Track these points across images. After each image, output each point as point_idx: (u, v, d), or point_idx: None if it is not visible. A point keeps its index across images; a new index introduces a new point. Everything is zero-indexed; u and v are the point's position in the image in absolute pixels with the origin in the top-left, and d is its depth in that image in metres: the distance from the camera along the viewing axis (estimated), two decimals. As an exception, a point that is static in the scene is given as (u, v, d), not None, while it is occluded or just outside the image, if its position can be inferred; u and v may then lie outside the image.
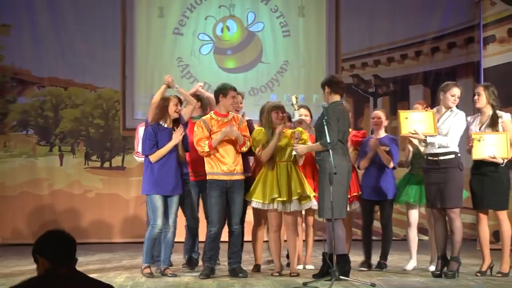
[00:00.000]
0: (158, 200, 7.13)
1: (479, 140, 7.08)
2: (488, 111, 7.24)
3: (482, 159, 7.10)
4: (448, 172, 7.02)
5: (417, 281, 6.91)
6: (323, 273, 6.85)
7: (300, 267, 7.74)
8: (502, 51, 10.72)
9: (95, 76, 11.94)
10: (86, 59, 11.85)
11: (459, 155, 7.12)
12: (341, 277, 6.52)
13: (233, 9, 12.20)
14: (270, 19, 12.22)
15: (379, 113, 8.03)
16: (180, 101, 7.33)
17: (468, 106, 8.63)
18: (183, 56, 12.05)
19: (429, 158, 7.14)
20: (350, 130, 7.41)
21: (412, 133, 7.09)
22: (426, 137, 7.07)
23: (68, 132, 11.95)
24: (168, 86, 7.56)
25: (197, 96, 7.94)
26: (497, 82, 8.06)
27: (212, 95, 8.24)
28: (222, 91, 7.36)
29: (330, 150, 6.66)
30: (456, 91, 7.19)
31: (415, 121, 7.11)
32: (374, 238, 7.91)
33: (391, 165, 7.74)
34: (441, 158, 7.06)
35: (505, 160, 7.12)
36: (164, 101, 7.28)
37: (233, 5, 12.20)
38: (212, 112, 7.43)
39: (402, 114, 7.21)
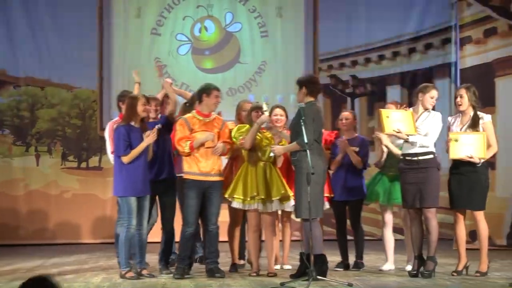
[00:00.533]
0: (134, 201, 7.07)
1: (456, 140, 7.12)
2: (470, 112, 7.28)
3: (459, 158, 7.14)
4: (427, 172, 7.05)
5: (394, 281, 6.93)
6: (301, 273, 6.84)
7: (278, 267, 7.74)
8: (478, 52, 10.80)
9: (72, 76, 11.87)
10: (62, 59, 11.77)
11: (436, 155, 7.17)
12: (318, 277, 6.52)
13: (211, 9, 12.19)
14: (248, 19, 12.22)
15: (347, 114, 8.02)
16: (147, 100, 7.30)
17: (444, 107, 8.69)
18: (160, 57, 12.02)
19: (407, 158, 7.16)
20: (323, 130, 7.40)
21: (396, 132, 7.11)
22: (408, 136, 7.10)
23: (44, 132, 11.87)
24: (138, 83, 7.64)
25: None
26: (474, 83, 8.09)
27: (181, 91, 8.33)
28: (206, 90, 7.34)
29: (308, 150, 6.67)
30: (435, 93, 7.27)
31: (395, 120, 7.14)
32: (349, 238, 7.91)
33: (361, 165, 7.76)
34: (421, 158, 7.08)
35: (482, 160, 7.16)
36: (133, 100, 7.22)
37: (211, 6, 12.19)
38: (194, 111, 7.40)
39: (384, 112, 7.23)
